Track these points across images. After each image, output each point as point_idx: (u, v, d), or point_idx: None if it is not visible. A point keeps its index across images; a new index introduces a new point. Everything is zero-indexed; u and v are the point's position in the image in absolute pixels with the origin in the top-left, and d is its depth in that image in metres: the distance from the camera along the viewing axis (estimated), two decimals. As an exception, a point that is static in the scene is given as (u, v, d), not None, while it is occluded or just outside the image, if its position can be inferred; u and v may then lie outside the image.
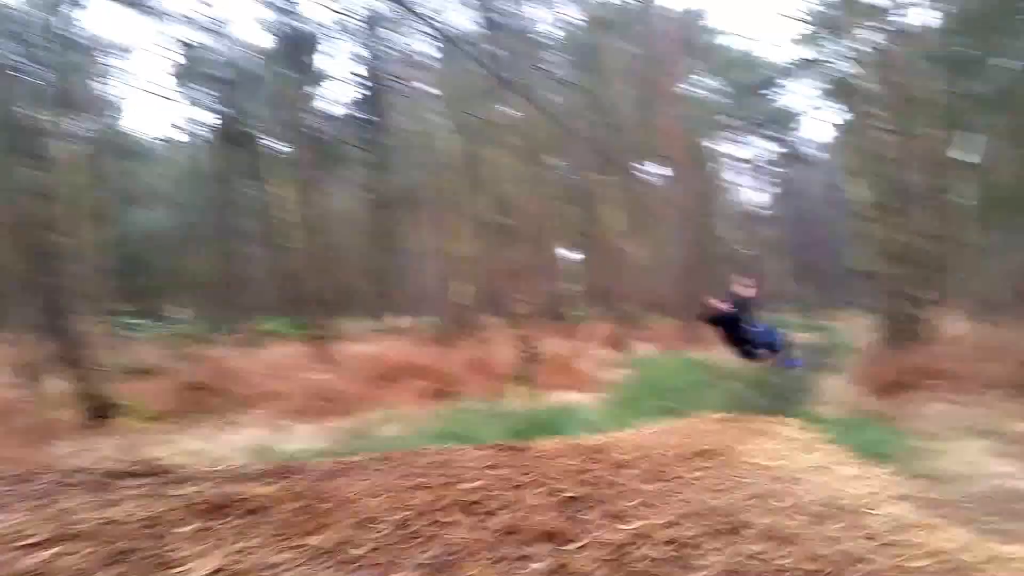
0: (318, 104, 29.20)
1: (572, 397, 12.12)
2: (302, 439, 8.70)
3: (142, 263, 29.97)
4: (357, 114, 30.96)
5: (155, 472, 5.24)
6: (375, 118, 29.52)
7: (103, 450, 7.62)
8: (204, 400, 10.15)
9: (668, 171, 26.52)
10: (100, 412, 9.02)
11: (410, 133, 27.84)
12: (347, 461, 5.89)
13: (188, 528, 3.60)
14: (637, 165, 27.27)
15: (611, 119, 24.59)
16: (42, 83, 10.93)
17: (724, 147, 37.39)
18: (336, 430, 9.27)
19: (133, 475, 5.06)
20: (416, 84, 24.60)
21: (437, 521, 3.84)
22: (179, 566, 3.06)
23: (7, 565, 3.04)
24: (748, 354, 8.83)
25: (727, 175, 38.49)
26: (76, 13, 12.31)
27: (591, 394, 12.76)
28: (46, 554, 3.19)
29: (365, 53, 28.89)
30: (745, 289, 8.68)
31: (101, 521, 3.67)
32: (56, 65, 10.87)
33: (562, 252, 30.85)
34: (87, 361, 9.43)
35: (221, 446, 8.21)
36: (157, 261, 30.73)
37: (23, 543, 3.35)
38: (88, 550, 3.26)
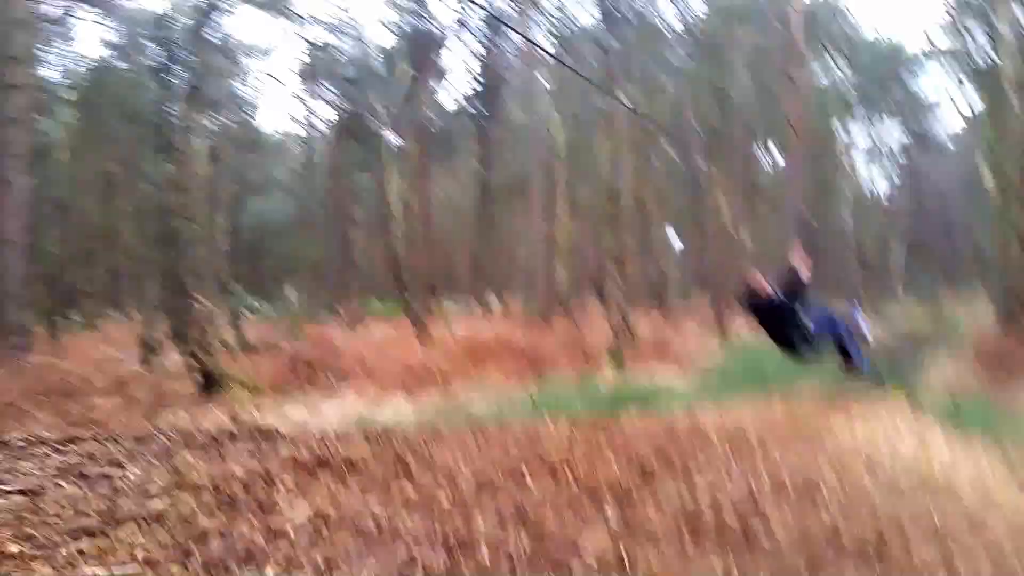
0: (434, 98, 29.71)
1: (665, 377, 12.05)
2: (397, 411, 9.08)
3: (259, 248, 31.65)
4: (470, 108, 31.34)
5: (262, 435, 5.68)
6: (487, 111, 29.83)
7: (214, 417, 8.18)
8: (308, 374, 10.72)
9: (787, 158, 25.70)
10: (213, 384, 9.66)
11: (520, 125, 28.00)
12: (437, 429, 6.19)
13: (290, 480, 3.94)
14: (755, 152, 26.60)
15: (730, 105, 24.03)
16: (181, 81, 11.63)
17: (849, 134, 35.95)
18: (429, 404, 9.61)
19: (241, 437, 5.51)
20: (529, 76, 24.65)
21: (517, 482, 4.03)
22: (281, 511, 3.37)
23: (136, 508, 3.44)
24: (796, 349, 6.08)
25: (850, 162, 36.98)
26: (220, 18, 12.98)
27: (685, 375, 12.64)
28: (167, 500, 3.59)
29: (481, 48, 29.14)
30: (800, 263, 5.82)
31: (213, 474, 4.06)
32: (195, 65, 11.57)
33: (667, 235, 30.52)
34: (203, 337, 10.11)
35: (322, 416, 8.69)
36: (273, 246, 32.33)
37: (147, 491, 3.77)
38: (202, 498, 3.64)
